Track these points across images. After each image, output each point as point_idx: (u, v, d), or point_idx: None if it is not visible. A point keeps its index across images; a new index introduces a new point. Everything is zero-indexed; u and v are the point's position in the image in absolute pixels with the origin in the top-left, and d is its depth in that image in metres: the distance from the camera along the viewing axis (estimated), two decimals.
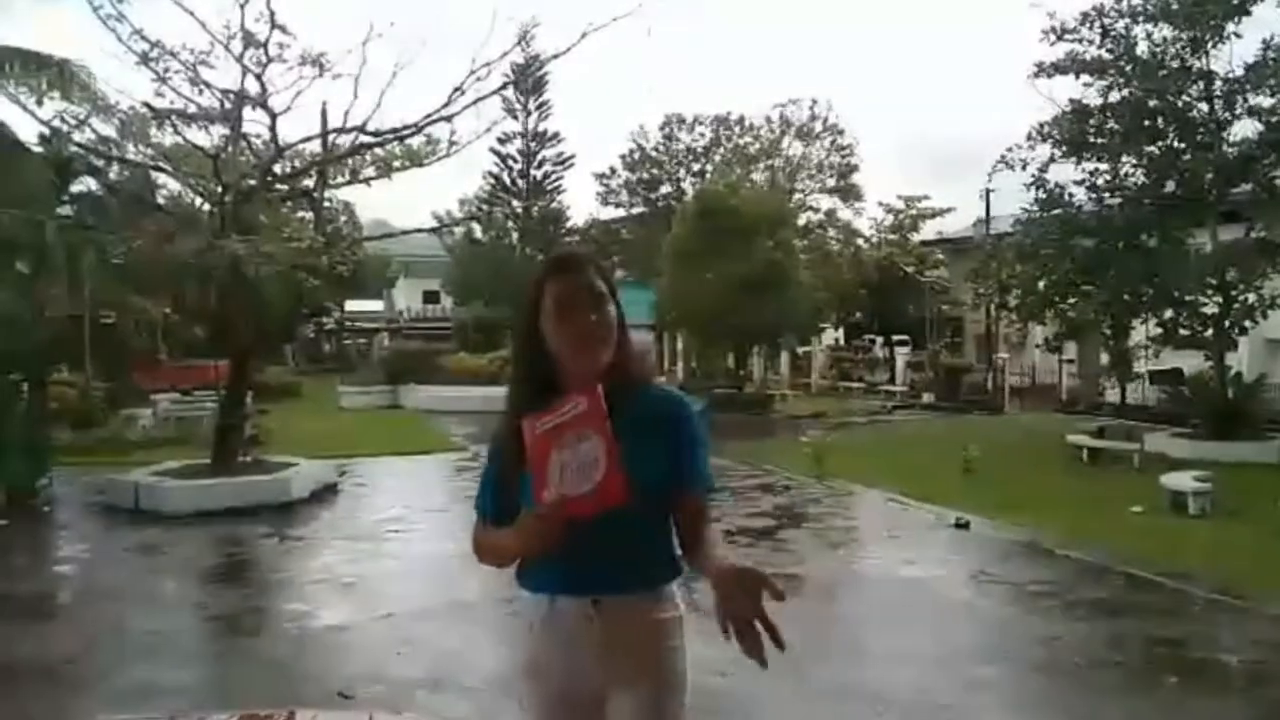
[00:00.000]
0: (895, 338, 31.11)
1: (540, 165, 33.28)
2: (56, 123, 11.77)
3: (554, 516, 1.87)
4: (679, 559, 2.10)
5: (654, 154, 37.13)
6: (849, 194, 36.93)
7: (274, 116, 12.09)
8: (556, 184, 33.67)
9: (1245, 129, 14.81)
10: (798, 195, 35.84)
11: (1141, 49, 15.02)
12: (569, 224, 34.56)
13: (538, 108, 32.26)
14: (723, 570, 1.82)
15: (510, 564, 2.09)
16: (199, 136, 12.43)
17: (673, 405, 2.07)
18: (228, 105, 11.91)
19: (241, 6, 11.48)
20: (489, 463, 2.18)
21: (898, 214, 36.62)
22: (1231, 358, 15.42)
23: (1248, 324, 14.57)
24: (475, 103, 12.43)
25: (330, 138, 13.14)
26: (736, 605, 1.74)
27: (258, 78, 11.82)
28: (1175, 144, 15.09)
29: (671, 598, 2.11)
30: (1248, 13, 14.31)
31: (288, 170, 13.39)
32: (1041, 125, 15.71)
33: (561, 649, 2.06)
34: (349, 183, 14.11)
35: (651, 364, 22.45)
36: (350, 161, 13.42)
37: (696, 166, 36.88)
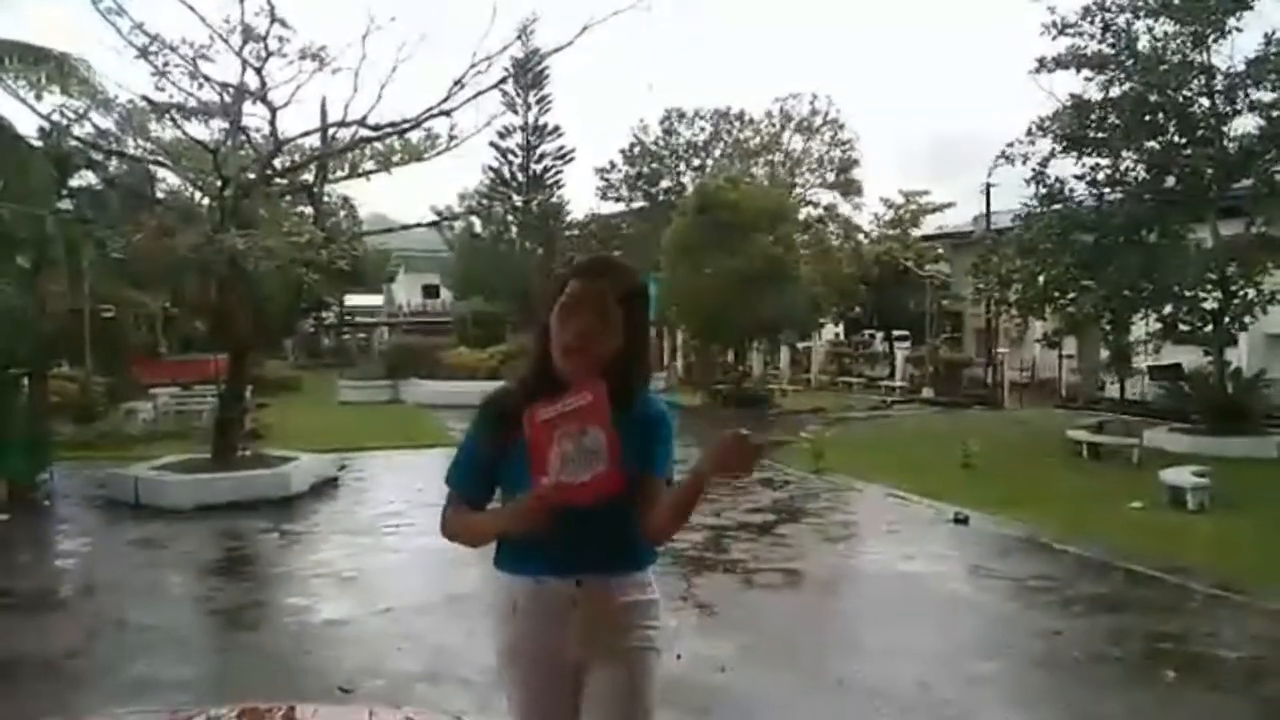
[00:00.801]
0: (895, 333, 31.05)
1: (540, 159, 33.18)
2: (56, 117, 11.79)
3: (550, 501, 1.92)
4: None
5: (654, 148, 37.01)
6: (849, 189, 36.83)
7: (273, 110, 12.08)
8: (556, 178, 33.59)
9: (1246, 124, 14.81)
10: (798, 190, 35.74)
11: (1142, 44, 15.01)
12: (569, 218, 34.49)
13: (538, 102, 32.17)
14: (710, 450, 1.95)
15: (485, 544, 2.11)
16: (198, 130, 12.45)
17: (656, 409, 2.17)
18: (227, 99, 11.88)
19: (241, 0, 11.48)
20: (470, 438, 2.18)
21: (898, 209, 36.52)
22: (1231, 353, 15.43)
23: (1248, 319, 14.57)
24: (475, 97, 12.45)
25: (330, 132, 13.15)
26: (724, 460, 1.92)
27: (257, 72, 11.80)
28: (1176, 139, 15.08)
29: (650, 581, 2.18)
30: (1249, 7, 14.29)
31: (287, 164, 13.37)
32: (1042, 120, 15.68)
33: (544, 628, 2.10)
34: (348, 177, 14.15)
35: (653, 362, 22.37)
36: (350, 156, 13.43)
37: (697, 161, 36.77)
